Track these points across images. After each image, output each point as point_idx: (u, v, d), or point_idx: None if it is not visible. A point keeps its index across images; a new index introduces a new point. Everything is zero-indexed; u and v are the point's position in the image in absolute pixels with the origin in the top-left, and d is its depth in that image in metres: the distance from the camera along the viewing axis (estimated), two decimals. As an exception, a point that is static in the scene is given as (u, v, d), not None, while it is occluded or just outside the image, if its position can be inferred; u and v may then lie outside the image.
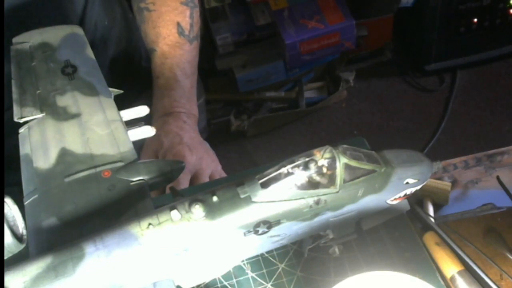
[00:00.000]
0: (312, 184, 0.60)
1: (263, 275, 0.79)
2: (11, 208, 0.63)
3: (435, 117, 2.22)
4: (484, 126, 2.17)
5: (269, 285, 0.78)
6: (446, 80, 2.31)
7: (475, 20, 2.14)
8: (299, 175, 0.60)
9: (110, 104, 0.76)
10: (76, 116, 0.73)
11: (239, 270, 0.79)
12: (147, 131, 0.77)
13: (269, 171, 0.60)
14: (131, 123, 0.76)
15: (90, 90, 0.77)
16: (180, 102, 1.04)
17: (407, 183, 0.67)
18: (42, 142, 0.71)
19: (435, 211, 0.95)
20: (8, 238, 0.61)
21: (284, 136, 2.23)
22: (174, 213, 0.58)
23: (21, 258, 0.57)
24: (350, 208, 0.64)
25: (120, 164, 0.68)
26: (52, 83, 0.78)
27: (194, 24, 1.11)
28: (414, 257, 0.79)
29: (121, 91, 0.81)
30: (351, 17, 2.03)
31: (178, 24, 1.08)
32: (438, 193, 0.96)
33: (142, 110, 0.78)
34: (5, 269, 0.55)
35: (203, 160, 0.99)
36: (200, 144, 1.03)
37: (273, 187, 0.59)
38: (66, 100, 0.76)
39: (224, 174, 1.04)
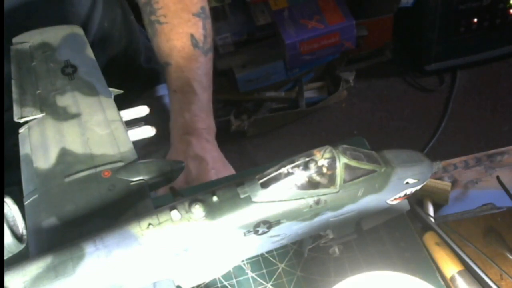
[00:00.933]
0: (312, 184, 0.60)
1: (263, 275, 0.79)
2: (11, 208, 0.63)
3: (435, 117, 2.22)
4: (484, 126, 2.17)
5: (269, 285, 0.78)
6: (446, 80, 2.32)
7: (475, 20, 2.14)
8: (299, 175, 0.59)
9: (110, 104, 0.76)
10: (76, 116, 0.73)
11: (239, 270, 0.79)
12: (147, 131, 0.77)
13: (269, 171, 0.60)
14: (131, 123, 0.76)
15: (90, 90, 0.77)
16: (200, 116, 1.03)
17: (407, 183, 0.67)
18: (42, 142, 0.71)
19: (435, 211, 0.95)
20: (8, 238, 0.61)
21: (284, 136, 2.23)
22: (174, 213, 0.58)
23: (21, 258, 0.57)
24: (350, 208, 0.64)
25: (120, 164, 0.68)
26: (52, 83, 0.78)
27: (208, 36, 1.08)
28: (414, 257, 0.79)
29: (121, 91, 0.81)
30: (351, 17, 2.03)
31: (192, 36, 1.05)
32: (438, 193, 0.96)
33: (142, 110, 0.78)
34: (5, 269, 0.55)
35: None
36: (222, 164, 1.02)
37: (273, 187, 0.59)
38: (66, 100, 0.76)
39: None
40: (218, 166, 1.00)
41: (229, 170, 1.04)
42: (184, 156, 0.99)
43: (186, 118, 1.02)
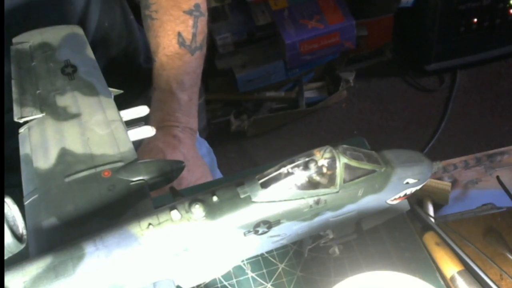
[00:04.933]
0: (312, 184, 0.60)
1: (263, 275, 0.79)
2: (11, 208, 0.63)
3: (435, 117, 2.23)
4: (484, 126, 2.17)
5: (269, 285, 0.78)
6: (446, 80, 2.32)
7: (475, 20, 2.14)
8: (299, 175, 0.60)
9: (110, 104, 0.76)
10: (76, 116, 0.73)
11: (239, 270, 0.79)
12: (147, 131, 0.77)
13: (269, 171, 0.60)
14: (131, 123, 0.76)
15: (90, 90, 0.77)
16: (173, 116, 1.02)
17: (407, 183, 0.67)
18: (42, 142, 0.71)
19: (435, 211, 0.95)
20: (8, 238, 0.61)
21: (284, 136, 2.23)
22: (174, 213, 0.58)
23: (21, 258, 0.57)
24: (350, 208, 0.64)
25: (120, 164, 0.68)
26: (52, 83, 0.78)
27: (198, 34, 1.07)
28: (414, 257, 0.79)
29: (121, 91, 0.81)
30: (351, 17, 2.03)
31: (179, 34, 1.05)
32: (438, 193, 0.96)
33: (142, 110, 0.78)
34: (5, 269, 0.55)
35: (183, 180, 0.96)
36: (185, 161, 1.00)
37: (273, 187, 0.59)
38: (66, 100, 0.75)
39: None
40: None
41: (192, 170, 1.00)
42: (145, 148, 0.98)
43: (157, 117, 1.02)
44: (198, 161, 1.04)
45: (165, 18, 1.05)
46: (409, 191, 0.69)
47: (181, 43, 1.05)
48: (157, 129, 0.99)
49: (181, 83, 1.04)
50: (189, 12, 1.06)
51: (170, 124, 1.01)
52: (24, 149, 0.72)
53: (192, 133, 1.05)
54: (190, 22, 1.06)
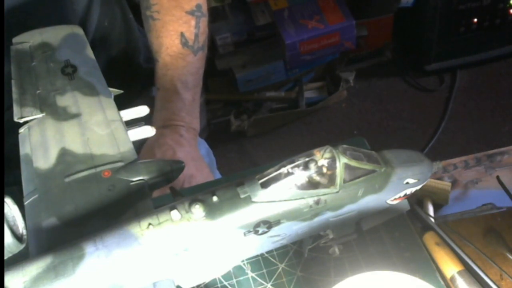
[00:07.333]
0: (312, 184, 0.60)
1: (263, 275, 0.79)
2: (11, 208, 0.63)
3: (435, 117, 2.23)
4: (484, 126, 2.17)
5: (269, 285, 0.78)
6: (446, 80, 2.32)
7: (475, 20, 2.14)
8: (299, 175, 0.60)
9: (110, 104, 0.76)
10: (76, 116, 0.73)
11: (239, 270, 0.79)
12: (147, 131, 0.77)
13: (269, 171, 0.60)
14: (131, 123, 0.76)
15: (90, 90, 0.77)
16: (178, 115, 1.02)
17: (407, 183, 0.67)
18: (42, 142, 0.71)
19: (435, 211, 0.95)
20: (8, 238, 0.61)
21: (284, 136, 2.23)
22: (174, 213, 0.58)
23: (21, 258, 0.57)
24: (350, 208, 0.64)
25: (120, 164, 0.68)
26: (52, 83, 0.78)
27: (200, 34, 1.07)
28: (414, 257, 0.79)
29: (121, 91, 0.81)
30: (351, 17, 2.03)
31: (182, 34, 1.05)
32: (438, 193, 0.96)
33: (142, 110, 0.78)
34: (5, 269, 0.55)
35: (193, 179, 0.97)
36: (193, 160, 1.00)
37: (273, 187, 0.59)
38: (66, 100, 0.76)
39: None
40: (188, 161, 0.96)
41: (200, 169, 1.01)
42: (153, 145, 0.98)
43: (163, 116, 1.02)
44: (203, 162, 1.04)
45: (167, 18, 1.05)
46: (409, 191, 0.69)
47: (184, 43, 1.05)
48: (163, 127, 1.00)
49: (185, 83, 1.05)
50: (191, 13, 1.06)
51: (175, 123, 1.02)
52: (24, 149, 0.72)
53: (195, 134, 1.05)
54: (193, 22, 1.06)
